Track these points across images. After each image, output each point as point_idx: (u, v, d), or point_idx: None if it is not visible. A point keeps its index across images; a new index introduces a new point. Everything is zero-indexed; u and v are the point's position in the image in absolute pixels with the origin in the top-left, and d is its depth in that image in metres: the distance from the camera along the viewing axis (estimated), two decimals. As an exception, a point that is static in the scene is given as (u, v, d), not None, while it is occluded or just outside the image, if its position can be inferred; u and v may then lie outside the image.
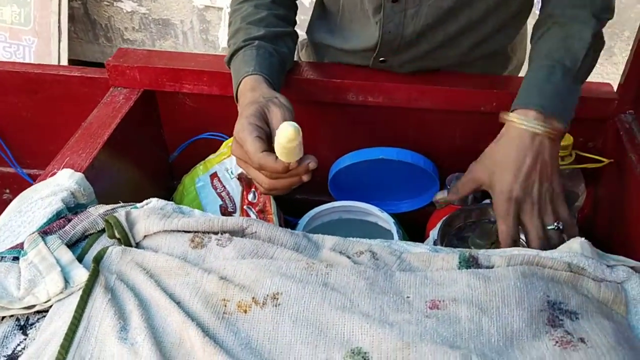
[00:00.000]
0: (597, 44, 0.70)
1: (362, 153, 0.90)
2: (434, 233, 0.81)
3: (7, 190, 1.13)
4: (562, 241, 0.65)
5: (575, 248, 0.58)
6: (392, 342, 0.47)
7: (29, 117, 1.02)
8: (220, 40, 2.12)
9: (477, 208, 0.80)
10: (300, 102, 0.88)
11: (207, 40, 2.17)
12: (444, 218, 0.79)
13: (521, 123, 0.66)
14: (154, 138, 0.98)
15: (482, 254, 0.58)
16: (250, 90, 0.71)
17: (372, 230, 0.94)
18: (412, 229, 1.00)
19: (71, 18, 2.06)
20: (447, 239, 0.75)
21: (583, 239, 0.60)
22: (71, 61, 2.11)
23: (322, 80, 0.85)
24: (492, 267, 0.56)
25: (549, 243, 0.66)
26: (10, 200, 1.14)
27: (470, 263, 0.57)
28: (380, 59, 0.84)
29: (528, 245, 0.66)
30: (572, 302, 0.53)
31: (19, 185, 1.11)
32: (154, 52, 0.94)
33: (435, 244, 0.78)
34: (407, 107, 0.86)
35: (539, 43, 0.71)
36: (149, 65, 0.90)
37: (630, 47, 0.78)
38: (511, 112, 0.68)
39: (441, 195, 0.83)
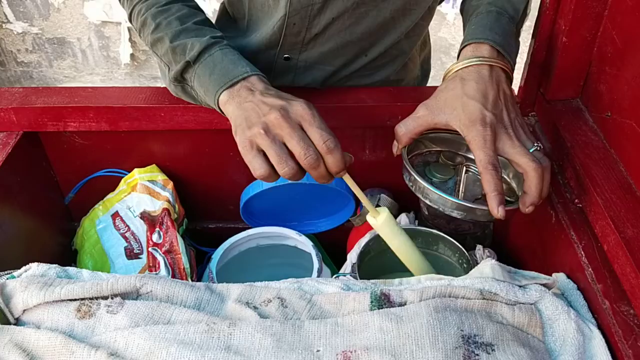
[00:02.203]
0: (525, 15, 0.71)
1: (270, 178, 0.85)
2: (351, 256, 0.78)
3: None
4: (549, 163, 0.60)
5: (487, 272, 0.57)
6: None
7: None
8: (122, 55, 2.01)
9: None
10: (200, 132, 0.83)
11: (109, 57, 2.05)
12: (359, 241, 0.77)
13: (477, 59, 0.62)
14: (45, 181, 0.90)
15: (394, 289, 0.55)
16: (267, 88, 0.63)
17: (292, 254, 0.91)
18: (333, 247, 0.97)
19: (-45, 44, 1.90)
20: (415, 170, 0.66)
21: (494, 261, 0.58)
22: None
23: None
24: (404, 305, 0.53)
25: (541, 165, 0.58)
26: None
27: (382, 302, 0.54)
28: (285, 55, 0.80)
29: (524, 176, 0.59)
30: (487, 332, 0.51)
31: None
32: (31, 89, 0.85)
33: (352, 268, 0.75)
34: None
35: (479, 1, 0.71)
36: (26, 105, 0.81)
37: (530, 36, 0.77)
38: (462, 48, 0.65)
39: (395, 148, 0.72)
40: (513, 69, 0.65)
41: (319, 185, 0.85)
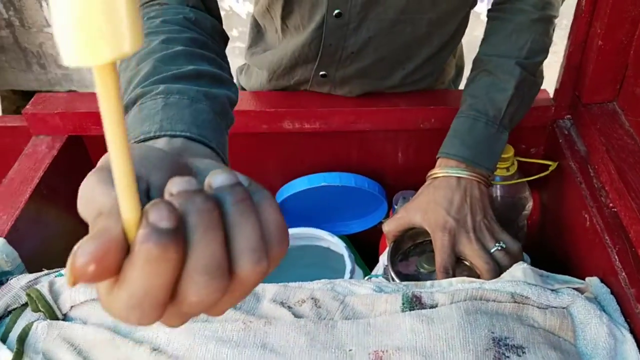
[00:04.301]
0: (523, 91, 0.71)
1: (305, 180, 0.87)
2: (383, 258, 0.79)
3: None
4: (511, 261, 0.64)
5: (518, 275, 0.57)
6: (335, 407, 0.45)
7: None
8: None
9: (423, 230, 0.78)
10: (235, 135, 0.85)
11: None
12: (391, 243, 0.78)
13: (445, 171, 0.69)
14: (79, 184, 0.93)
15: (425, 291, 0.56)
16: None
17: (325, 255, 0.92)
18: (365, 248, 0.98)
19: (1, 48, 1.98)
20: (395, 267, 0.73)
21: (526, 265, 0.58)
22: (6, 92, 2.03)
23: (255, 110, 0.82)
24: (435, 307, 0.54)
25: (498, 266, 0.64)
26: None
27: (413, 304, 0.55)
28: (321, 72, 0.81)
29: (480, 275, 0.65)
30: (517, 335, 0.51)
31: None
32: (77, 94, 0.89)
33: (385, 270, 0.77)
34: (345, 130, 0.83)
35: (468, 89, 0.73)
36: (71, 110, 0.85)
37: (566, 37, 0.77)
38: (437, 157, 0.71)
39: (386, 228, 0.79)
40: (492, 170, 0.70)
41: (352, 187, 0.87)
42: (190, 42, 0.50)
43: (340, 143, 0.87)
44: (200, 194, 0.24)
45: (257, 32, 0.89)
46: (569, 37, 0.76)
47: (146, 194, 0.28)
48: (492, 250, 0.65)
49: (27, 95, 2.13)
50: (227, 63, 0.56)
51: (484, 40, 0.75)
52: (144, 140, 0.37)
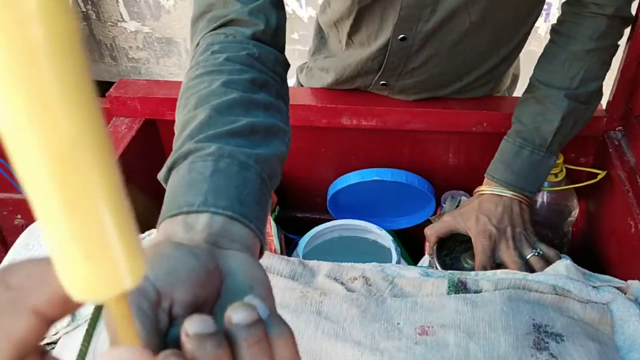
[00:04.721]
0: (571, 120, 0.74)
1: (358, 174, 0.92)
2: (428, 253, 0.83)
3: (19, 216, 1.17)
4: (546, 266, 0.68)
5: (561, 270, 0.60)
6: (382, 369, 0.49)
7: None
8: (223, 56, 2.16)
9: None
10: (296, 128, 0.91)
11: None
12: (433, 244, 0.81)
13: (491, 190, 0.76)
14: (157, 165, 1.01)
15: (470, 278, 0.60)
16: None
17: (371, 248, 0.96)
18: (411, 244, 1.02)
19: (76, 40, 2.11)
20: (441, 259, 0.77)
21: (568, 261, 0.61)
22: (78, 81, 2.15)
23: (317, 105, 0.88)
24: (479, 292, 0.58)
25: (533, 271, 0.68)
26: (23, 226, 1.18)
27: (459, 288, 0.59)
28: (382, 82, 0.85)
29: None
30: (557, 324, 0.55)
31: (29, 210, 1.14)
32: (154, 82, 0.97)
33: (430, 262, 0.81)
34: (400, 129, 0.88)
35: (517, 112, 0.77)
36: (149, 95, 0.92)
37: (622, 49, 0.79)
38: (485, 175, 0.78)
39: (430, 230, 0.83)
40: (534, 192, 0.76)
41: (402, 183, 0.91)
42: (250, 85, 0.51)
43: (393, 141, 0.92)
44: (213, 339, 0.25)
45: (321, 38, 0.94)
46: (624, 51, 0.78)
47: (168, 312, 0.29)
48: (528, 256, 0.70)
49: (96, 85, 2.26)
50: (286, 97, 0.57)
51: (539, 61, 0.77)
52: (187, 213, 0.38)
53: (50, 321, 0.23)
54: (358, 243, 0.98)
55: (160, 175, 0.48)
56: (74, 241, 0.20)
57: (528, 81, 0.78)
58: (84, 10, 2.18)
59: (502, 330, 0.53)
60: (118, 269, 0.21)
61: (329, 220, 0.95)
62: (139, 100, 0.93)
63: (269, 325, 0.26)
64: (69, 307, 0.23)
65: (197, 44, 0.57)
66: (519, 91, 1.00)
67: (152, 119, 0.95)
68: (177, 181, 0.42)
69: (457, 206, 0.91)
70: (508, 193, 0.75)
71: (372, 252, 0.97)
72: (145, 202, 0.97)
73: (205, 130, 0.45)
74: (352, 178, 0.92)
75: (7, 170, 1.10)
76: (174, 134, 1.00)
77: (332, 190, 0.95)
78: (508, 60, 0.85)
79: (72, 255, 0.20)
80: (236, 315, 0.26)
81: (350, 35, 0.81)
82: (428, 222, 0.97)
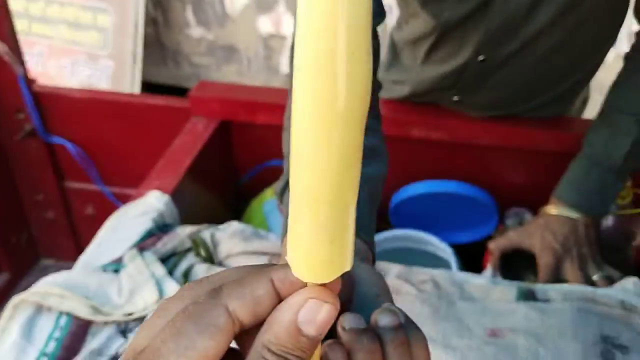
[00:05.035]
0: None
1: (424, 185, 0.95)
2: (490, 266, 0.84)
3: (90, 206, 1.24)
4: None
5: (629, 287, 0.62)
6: (454, 365, 0.52)
7: (115, 140, 1.13)
8: (282, 66, 2.22)
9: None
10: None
11: (270, 66, 2.27)
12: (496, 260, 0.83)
13: (558, 211, 0.77)
14: (226, 163, 1.06)
15: (539, 288, 0.62)
16: None
17: (431, 260, 0.98)
18: (469, 259, 1.04)
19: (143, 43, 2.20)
20: (503, 274, 0.79)
21: (637, 278, 0.63)
22: (142, 83, 2.25)
23: (388, 116, 0.91)
24: (548, 301, 0.60)
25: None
26: (93, 216, 1.24)
27: (527, 296, 0.61)
28: (455, 98, 0.88)
29: None
30: (623, 337, 0.56)
31: (100, 202, 1.21)
32: (232, 85, 1.02)
33: (494, 276, 0.82)
34: (468, 143, 0.90)
35: (589, 136, 0.78)
36: (227, 97, 0.98)
37: None
38: (552, 195, 0.78)
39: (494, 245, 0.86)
40: (600, 214, 0.77)
41: (467, 197, 0.93)
42: None
43: (460, 155, 0.94)
44: (367, 334, 0.27)
45: (394, 53, 0.97)
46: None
47: None
48: (594, 277, 0.71)
49: (156, 87, 2.35)
50: (380, 118, 0.61)
51: (613, 86, 0.79)
52: None
53: (238, 326, 0.25)
54: (417, 255, 1.00)
55: (277, 189, 0.55)
56: (326, 228, 0.24)
57: (598, 104, 0.80)
58: (154, 15, 2.28)
59: (571, 338, 0.55)
60: (346, 253, 0.25)
61: (388, 229, 0.97)
62: (217, 101, 0.98)
63: (408, 329, 0.29)
64: (258, 311, 0.26)
65: None
66: (587, 113, 1.01)
67: (227, 120, 1.00)
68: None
69: (521, 223, 0.92)
70: (575, 214, 0.76)
71: (431, 265, 0.99)
72: (214, 196, 1.02)
73: None
74: (419, 188, 0.94)
75: (85, 161, 1.17)
76: (245, 136, 1.04)
77: (396, 199, 0.98)
78: (581, 83, 0.87)
79: (320, 239, 0.24)
80: (384, 318, 0.28)
81: (428, 53, 0.84)
82: (488, 238, 0.99)
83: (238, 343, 0.27)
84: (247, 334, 0.26)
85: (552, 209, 0.78)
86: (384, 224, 1.06)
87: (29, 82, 1.07)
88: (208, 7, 2.20)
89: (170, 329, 0.25)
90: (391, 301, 0.36)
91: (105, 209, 1.20)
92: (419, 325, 0.57)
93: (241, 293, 0.26)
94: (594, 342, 0.55)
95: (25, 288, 1.26)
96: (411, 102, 0.95)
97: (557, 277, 0.73)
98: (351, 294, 0.34)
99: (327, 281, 0.25)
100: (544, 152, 0.88)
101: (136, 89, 2.11)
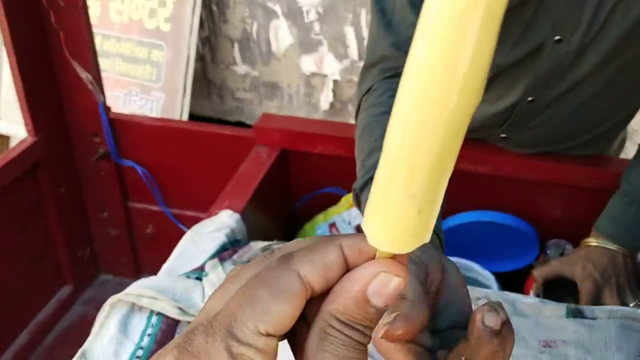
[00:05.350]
0: None
1: (469, 215, 1.01)
2: (533, 293, 0.90)
3: (150, 226, 1.33)
4: None
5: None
6: (512, 369, 0.58)
7: (179, 165, 1.22)
8: (322, 103, 2.32)
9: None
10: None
11: (310, 102, 2.38)
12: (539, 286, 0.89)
13: (597, 242, 0.83)
14: (284, 189, 1.15)
15: (586, 308, 0.68)
16: None
17: (473, 286, 1.04)
18: (508, 287, 1.09)
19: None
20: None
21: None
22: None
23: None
24: (595, 319, 0.66)
25: None
26: (153, 234, 1.33)
27: (576, 313, 0.67)
28: (502, 135, 0.95)
29: None
30: (666, 353, 0.62)
31: (160, 222, 1.30)
32: (292, 118, 1.12)
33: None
34: (512, 177, 0.97)
35: (627, 174, 0.85)
36: (288, 128, 1.07)
37: None
38: (593, 229, 0.85)
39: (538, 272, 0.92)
40: (637, 246, 0.83)
41: (510, 227, 1.00)
42: None
43: (505, 188, 1.01)
44: (499, 336, 0.29)
45: None
46: None
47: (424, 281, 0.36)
48: (631, 305, 0.77)
49: (200, 119, 2.47)
50: None
51: None
52: None
53: (310, 291, 0.25)
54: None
55: (357, 186, 0.61)
56: (418, 197, 0.23)
57: (635, 145, 0.87)
58: (202, 52, 2.42)
59: (616, 349, 0.60)
60: (429, 225, 0.24)
61: (433, 256, 1.04)
62: (279, 132, 1.07)
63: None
64: (328, 277, 0.26)
65: (371, 88, 0.71)
66: (624, 154, 1.08)
67: (287, 149, 1.09)
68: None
69: (562, 254, 0.98)
70: (614, 246, 0.82)
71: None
72: (272, 218, 1.10)
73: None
74: (464, 218, 1.01)
75: (150, 183, 1.26)
76: (302, 164, 1.13)
77: (445, 226, 1.05)
78: (619, 125, 0.94)
79: (409, 207, 0.23)
80: (492, 318, 0.29)
81: None
82: (528, 268, 1.04)
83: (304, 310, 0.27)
84: (312, 301, 0.26)
85: (592, 241, 0.84)
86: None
87: (106, 109, 1.18)
88: (254, 47, 2.33)
89: (244, 293, 0.25)
90: (467, 292, 0.39)
91: (165, 228, 1.29)
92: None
93: (312, 259, 0.25)
94: (636, 354, 0.60)
95: (86, 301, 1.35)
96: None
97: (597, 303, 0.79)
98: (441, 280, 0.37)
99: (407, 251, 0.25)
100: (584, 188, 0.95)
101: (184, 119, 2.23)
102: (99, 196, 1.28)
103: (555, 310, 0.68)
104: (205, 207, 0.94)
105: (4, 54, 2.46)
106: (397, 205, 0.23)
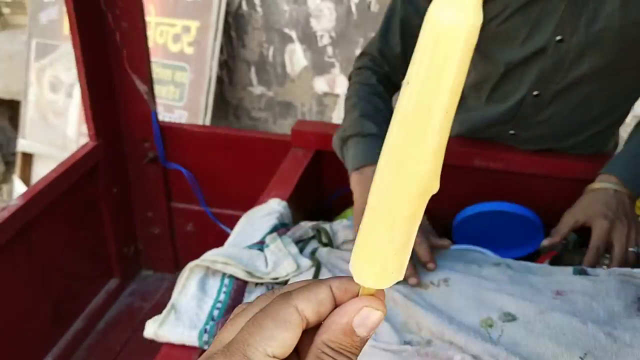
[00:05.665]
0: None
1: (482, 205, 1.15)
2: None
3: (191, 224, 1.46)
4: (636, 263, 0.86)
5: (658, 268, 0.81)
6: (532, 309, 0.71)
7: (221, 167, 1.36)
8: (333, 120, 2.48)
9: (578, 254, 1.02)
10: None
11: (322, 120, 2.54)
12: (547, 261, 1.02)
13: (602, 184, 0.91)
14: (317, 186, 1.28)
15: (589, 269, 0.82)
16: None
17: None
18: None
19: (209, 99, 2.49)
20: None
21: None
22: (204, 133, 2.51)
23: (455, 149, 1.13)
24: (597, 276, 0.79)
25: (626, 263, 0.85)
26: (193, 232, 1.47)
27: (581, 272, 0.80)
28: (511, 131, 1.09)
29: (611, 261, 0.86)
30: (656, 301, 0.75)
31: (200, 220, 1.44)
32: (325, 123, 1.26)
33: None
34: (521, 172, 1.12)
35: (632, 133, 0.97)
36: (321, 132, 1.21)
37: None
38: (600, 173, 0.93)
39: (547, 242, 1.05)
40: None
41: (517, 215, 1.13)
42: (383, 91, 1.04)
43: (515, 182, 1.16)
44: None
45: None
46: None
47: None
48: (630, 249, 0.86)
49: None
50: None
51: None
52: None
53: (306, 323, 0.30)
54: (473, 267, 1.19)
55: (343, 135, 0.93)
56: (395, 242, 0.29)
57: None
58: (219, 74, 2.58)
59: (616, 297, 0.74)
60: (403, 266, 0.30)
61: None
62: (314, 135, 1.22)
63: None
64: (321, 312, 0.31)
65: (361, 67, 1.05)
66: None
67: (321, 150, 1.23)
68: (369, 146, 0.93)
69: (564, 243, 1.12)
70: (620, 188, 0.89)
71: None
72: (307, 211, 1.24)
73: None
74: (477, 208, 1.15)
75: (193, 184, 1.40)
76: (333, 163, 1.27)
77: (458, 218, 1.18)
78: (611, 128, 1.09)
79: (386, 252, 0.29)
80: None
81: (491, 93, 1.07)
82: (535, 254, 1.18)
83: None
84: (304, 334, 0.31)
85: (597, 185, 0.91)
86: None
87: (157, 117, 1.32)
88: (270, 69, 2.50)
89: (254, 324, 0.30)
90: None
91: (204, 226, 1.43)
92: (499, 287, 0.76)
93: (307, 296, 0.31)
94: (633, 301, 0.74)
95: (131, 293, 1.47)
96: (472, 137, 1.18)
97: (607, 242, 0.85)
98: None
99: (386, 287, 0.30)
100: (584, 180, 1.09)
101: (205, 136, 2.37)
102: (145, 197, 1.41)
103: (563, 271, 0.81)
104: (243, 206, 1.07)
105: (31, 76, 2.60)
106: (378, 249, 0.29)
